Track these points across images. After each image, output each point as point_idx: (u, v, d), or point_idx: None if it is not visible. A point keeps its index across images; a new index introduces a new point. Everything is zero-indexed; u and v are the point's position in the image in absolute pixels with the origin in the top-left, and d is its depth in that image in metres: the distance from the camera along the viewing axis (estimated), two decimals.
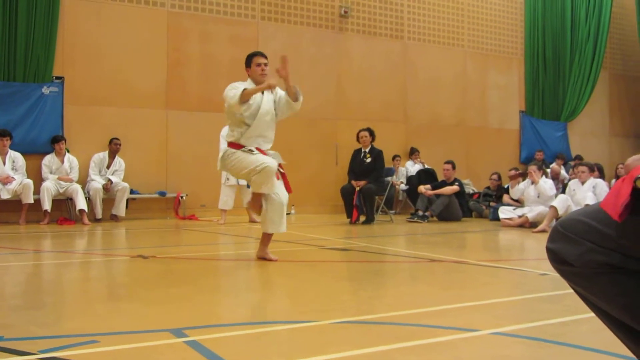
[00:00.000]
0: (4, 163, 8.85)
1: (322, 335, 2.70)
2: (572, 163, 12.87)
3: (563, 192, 9.20)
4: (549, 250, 1.59)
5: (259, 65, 5.01)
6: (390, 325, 2.86)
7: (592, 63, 15.04)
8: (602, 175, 10.04)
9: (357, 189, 9.18)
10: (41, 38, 9.34)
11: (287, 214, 5.04)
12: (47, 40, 9.40)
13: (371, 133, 9.58)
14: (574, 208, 8.10)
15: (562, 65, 14.75)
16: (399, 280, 4.47)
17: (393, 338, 2.59)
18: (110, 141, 9.70)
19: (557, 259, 1.56)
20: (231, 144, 4.99)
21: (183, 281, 4.25)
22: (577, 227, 1.52)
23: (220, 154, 5.07)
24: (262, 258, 5.00)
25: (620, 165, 13.01)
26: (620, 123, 16.21)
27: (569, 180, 10.23)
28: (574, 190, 8.74)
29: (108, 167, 9.61)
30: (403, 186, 11.84)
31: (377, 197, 9.64)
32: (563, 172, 12.79)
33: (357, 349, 2.42)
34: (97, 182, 9.35)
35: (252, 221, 9.32)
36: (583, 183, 8.70)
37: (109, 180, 9.40)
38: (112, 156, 9.69)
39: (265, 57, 5.11)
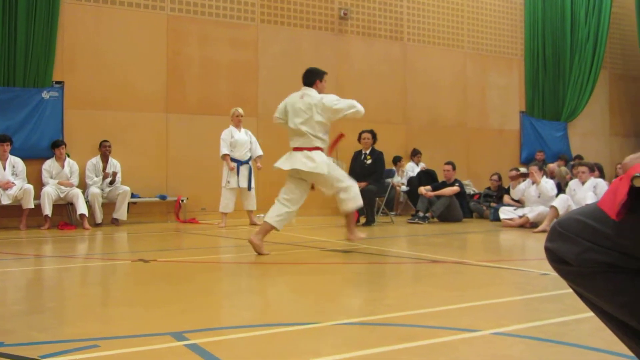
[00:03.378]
0: (4, 168, 8.85)
1: (323, 337, 2.70)
2: (572, 163, 12.85)
3: (559, 190, 9.19)
4: (547, 250, 1.59)
5: (326, 81, 6.00)
6: (391, 327, 2.86)
7: (592, 63, 15.03)
8: (602, 175, 10.03)
9: None
10: (41, 43, 9.34)
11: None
12: (46, 44, 9.40)
13: (373, 135, 9.58)
14: (574, 208, 8.09)
15: (562, 65, 14.74)
16: (400, 281, 4.47)
17: (394, 339, 2.60)
18: (100, 144, 9.65)
19: (555, 258, 1.57)
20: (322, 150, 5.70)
21: (184, 285, 4.25)
22: (574, 226, 1.52)
23: (325, 158, 5.67)
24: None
25: (619, 165, 13.00)
26: (621, 123, 16.21)
27: (566, 181, 10.22)
28: (574, 190, 8.73)
29: (104, 170, 9.59)
30: (404, 187, 11.83)
31: (377, 198, 9.64)
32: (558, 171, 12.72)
33: (359, 350, 2.42)
34: (95, 187, 9.36)
35: (252, 224, 9.31)
36: (583, 183, 8.70)
37: (112, 174, 9.45)
38: (104, 160, 9.65)
39: None
